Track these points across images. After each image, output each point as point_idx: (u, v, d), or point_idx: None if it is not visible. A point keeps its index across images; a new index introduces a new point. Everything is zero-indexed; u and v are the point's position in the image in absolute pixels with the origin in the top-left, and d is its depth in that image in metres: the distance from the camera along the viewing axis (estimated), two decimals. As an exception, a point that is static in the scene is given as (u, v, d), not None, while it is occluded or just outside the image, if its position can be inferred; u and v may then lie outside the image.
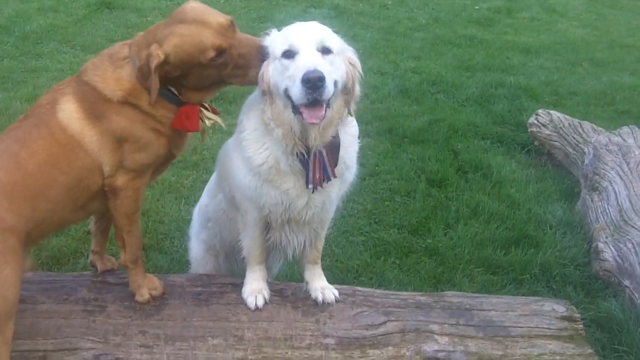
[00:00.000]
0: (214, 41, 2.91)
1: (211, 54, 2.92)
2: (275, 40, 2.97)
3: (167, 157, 3.25)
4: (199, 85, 3.07)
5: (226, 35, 2.95)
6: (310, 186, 3.07)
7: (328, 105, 2.87)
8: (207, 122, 3.19)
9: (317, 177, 3.06)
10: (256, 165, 3.10)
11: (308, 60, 2.79)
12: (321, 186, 3.09)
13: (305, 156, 3.03)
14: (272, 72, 2.95)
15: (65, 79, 3.19)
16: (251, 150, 3.11)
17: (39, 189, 2.94)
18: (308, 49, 2.84)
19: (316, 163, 3.04)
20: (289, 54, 2.87)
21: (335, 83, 2.87)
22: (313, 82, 2.70)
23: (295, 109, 2.87)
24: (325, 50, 2.87)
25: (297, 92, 2.76)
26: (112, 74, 3.01)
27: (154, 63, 2.87)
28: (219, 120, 3.24)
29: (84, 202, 3.11)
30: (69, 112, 2.99)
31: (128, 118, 3.01)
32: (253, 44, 3.02)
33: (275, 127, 3.00)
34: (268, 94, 3.00)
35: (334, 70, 2.87)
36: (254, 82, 3.05)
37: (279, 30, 3.04)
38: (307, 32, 2.92)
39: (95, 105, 2.99)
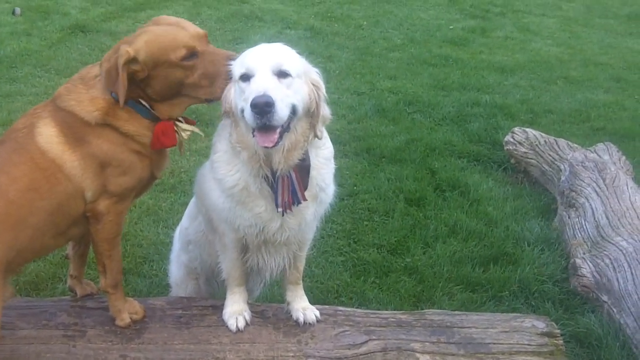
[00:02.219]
0: (188, 41, 2.96)
1: (182, 52, 2.95)
2: (237, 62, 2.98)
3: (149, 179, 3.25)
4: (163, 91, 3.05)
5: (200, 41, 3.00)
6: (280, 209, 3.07)
7: (287, 129, 2.87)
8: (183, 134, 3.19)
9: (286, 200, 3.05)
10: (228, 187, 3.10)
11: (259, 85, 2.78)
12: (290, 210, 3.08)
13: (271, 179, 3.03)
14: (233, 94, 2.96)
15: (40, 103, 3.16)
16: (222, 172, 3.11)
17: (20, 216, 2.89)
18: (262, 73, 2.83)
19: (284, 186, 3.03)
20: (245, 77, 2.88)
21: (294, 107, 2.87)
22: (260, 108, 2.70)
23: (253, 132, 2.87)
24: (282, 74, 2.86)
25: (247, 116, 2.77)
26: (87, 95, 3.01)
27: (122, 60, 2.87)
28: (196, 129, 3.25)
29: (65, 227, 3.08)
30: (49, 136, 2.96)
31: (109, 141, 3.00)
32: (223, 54, 3.05)
33: (241, 149, 3.01)
34: (232, 116, 3.01)
35: (291, 94, 2.86)
36: (219, 96, 3.05)
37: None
38: (264, 56, 2.91)
39: (74, 129, 2.98)
